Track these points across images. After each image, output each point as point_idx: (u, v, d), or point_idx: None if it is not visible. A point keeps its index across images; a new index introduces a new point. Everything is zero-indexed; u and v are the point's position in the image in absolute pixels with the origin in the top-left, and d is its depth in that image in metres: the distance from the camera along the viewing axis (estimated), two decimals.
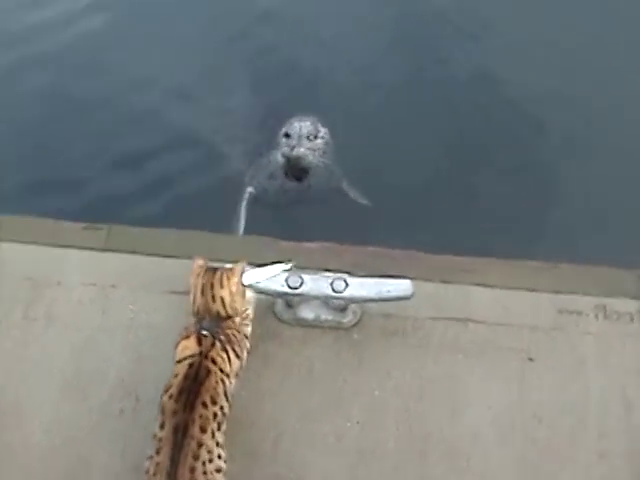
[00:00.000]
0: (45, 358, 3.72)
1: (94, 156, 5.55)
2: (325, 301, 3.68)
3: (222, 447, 3.07)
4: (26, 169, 5.49)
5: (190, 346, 3.19)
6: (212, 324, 3.26)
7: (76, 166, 5.51)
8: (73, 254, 4.05)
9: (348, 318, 3.74)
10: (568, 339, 3.71)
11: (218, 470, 3.02)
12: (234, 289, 3.29)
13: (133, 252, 4.04)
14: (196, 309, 3.30)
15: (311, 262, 3.86)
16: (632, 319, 3.74)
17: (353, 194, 5.12)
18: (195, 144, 5.58)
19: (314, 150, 4.86)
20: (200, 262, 3.35)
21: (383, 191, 5.17)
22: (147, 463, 3.01)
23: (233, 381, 3.22)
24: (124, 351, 3.69)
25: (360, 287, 3.59)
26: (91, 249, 4.06)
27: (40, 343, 3.76)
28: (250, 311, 3.44)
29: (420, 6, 6.32)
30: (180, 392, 3.07)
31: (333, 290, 3.58)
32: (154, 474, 2.96)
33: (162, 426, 3.03)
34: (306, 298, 3.64)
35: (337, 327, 3.74)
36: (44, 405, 3.60)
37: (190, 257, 3.68)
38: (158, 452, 2.98)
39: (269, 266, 3.60)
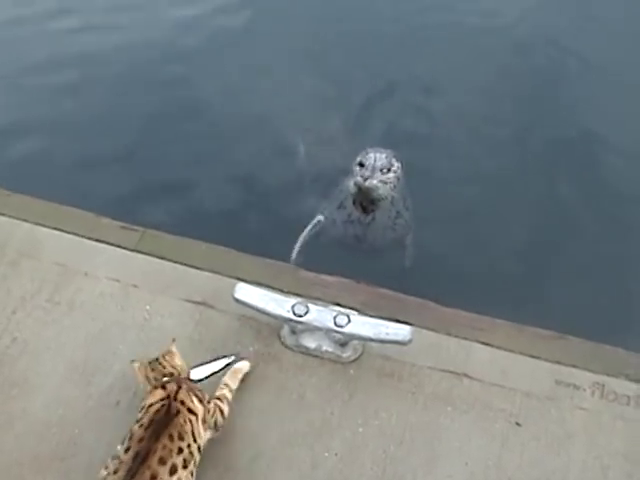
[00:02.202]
0: (59, 341, 3.94)
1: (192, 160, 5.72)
2: (326, 333, 3.79)
3: None
4: (128, 168, 5.65)
5: (157, 392, 3.30)
6: (172, 380, 3.37)
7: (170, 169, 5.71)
8: (105, 249, 4.28)
9: (348, 353, 3.84)
10: (560, 411, 3.72)
11: None
12: (177, 362, 3.41)
13: (161, 257, 4.24)
14: (152, 382, 3.38)
15: (325, 295, 4.01)
16: (628, 402, 3.74)
17: (409, 251, 5.14)
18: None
19: (386, 183, 4.89)
20: (136, 364, 3.44)
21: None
22: (104, 472, 3.12)
23: (200, 425, 3.29)
24: (133, 348, 3.86)
25: (361, 325, 3.70)
26: (123, 248, 4.28)
27: (58, 326, 3.98)
28: None
29: None
30: (150, 423, 3.18)
31: (335, 324, 3.70)
32: None
33: (127, 450, 3.11)
34: (309, 327, 3.76)
35: (336, 360, 3.85)
36: (49, 383, 3.81)
37: (214, 271, 3.93)
38: (115, 472, 3.07)
39: (215, 362, 3.75)
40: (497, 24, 6.59)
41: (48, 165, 5.53)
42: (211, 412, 3.41)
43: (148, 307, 4.03)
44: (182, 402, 3.25)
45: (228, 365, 3.79)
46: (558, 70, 6.22)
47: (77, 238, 4.32)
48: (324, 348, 3.85)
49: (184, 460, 3.12)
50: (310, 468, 3.57)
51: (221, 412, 3.48)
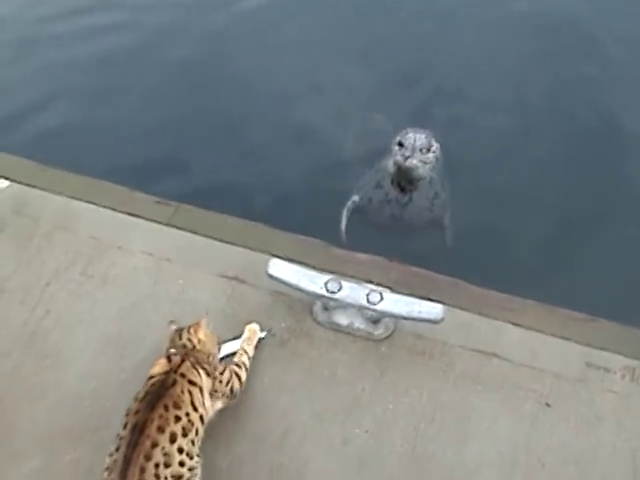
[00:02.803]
0: (93, 314, 3.99)
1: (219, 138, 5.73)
2: (359, 310, 3.82)
3: (190, 456, 3.17)
4: (153, 143, 5.67)
5: (161, 363, 3.37)
6: (180, 352, 3.43)
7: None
8: (139, 223, 4.32)
9: (380, 331, 3.87)
10: (590, 393, 3.74)
11: (178, 477, 3.11)
12: (201, 336, 3.47)
13: (194, 232, 4.28)
14: (171, 345, 3.47)
15: (357, 272, 4.04)
16: None
17: (448, 232, 5.13)
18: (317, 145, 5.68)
19: (425, 163, 4.92)
20: (174, 326, 3.58)
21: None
22: (108, 460, 3.14)
23: (205, 396, 3.34)
24: (165, 321, 3.81)
25: (394, 303, 3.72)
26: (157, 222, 4.32)
27: (91, 299, 4.03)
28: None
29: None
30: (146, 395, 3.23)
31: (368, 301, 3.72)
32: (110, 472, 3.09)
33: (125, 426, 3.16)
34: (342, 304, 3.78)
35: (368, 337, 3.88)
36: (82, 356, 3.86)
37: (247, 246, 3.97)
38: (117, 450, 3.12)
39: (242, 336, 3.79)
40: (535, 9, 6.57)
41: (80, 140, 5.53)
42: (225, 381, 3.47)
43: (181, 281, 4.08)
44: (182, 375, 3.30)
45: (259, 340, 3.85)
46: (592, 55, 6.17)
47: (111, 212, 4.37)
48: (356, 325, 3.87)
49: (183, 428, 3.17)
50: (340, 444, 3.60)
51: (238, 378, 3.54)
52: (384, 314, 3.75)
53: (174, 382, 3.25)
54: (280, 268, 3.83)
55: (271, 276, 3.84)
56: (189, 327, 3.52)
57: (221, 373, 3.47)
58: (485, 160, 5.41)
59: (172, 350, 3.44)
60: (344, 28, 6.30)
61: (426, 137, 4.84)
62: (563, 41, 6.28)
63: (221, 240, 4.23)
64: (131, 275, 4.11)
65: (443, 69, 6.10)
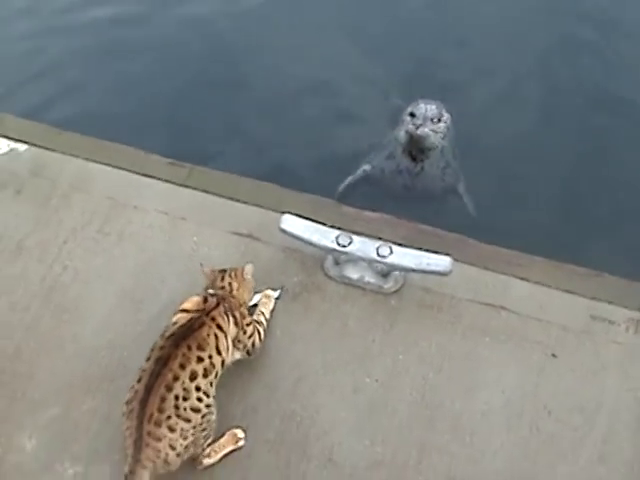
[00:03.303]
0: (109, 269, 4.09)
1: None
2: (369, 264, 3.90)
3: (207, 395, 3.29)
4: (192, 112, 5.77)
5: (196, 300, 3.50)
6: (217, 294, 3.55)
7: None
8: (154, 184, 4.42)
9: (389, 284, 3.96)
10: (594, 344, 3.83)
11: (196, 410, 3.24)
12: (240, 282, 3.62)
13: (207, 192, 4.37)
14: (209, 285, 3.63)
15: (367, 229, 4.11)
16: None
17: (466, 199, 5.21)
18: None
19: (436, 132, 5.00)
20: (207, 269, 3.70)
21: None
22: (128, 394, 3.26)
23: (229, 343, 3.45)
24: (180, 276, 4.00)
25: (403, 256, 3.82)
26: (171, 183, 4.41)
27: (108, 256, 4.14)
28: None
29: None
30: (172, 334, 3.34)
31: (378, 254, 3.82)
32: (131, 400, 3.22)
33: (148, 359, 3.29)
34: (352, 257, 3.88)
35: (378, 291, 3.97)
36: (99, 308, 3.96)
37: (259, 205, 4.14)
38: (139, 381, 3.24)
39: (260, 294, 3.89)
40: None
41: (94, 103, 5.67)
42: (248, 333, 3.57)
43: (195, 238, 4.17)
44: (212, 318, 3.41)
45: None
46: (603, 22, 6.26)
47: (127, 173, 4.47)
48: (366, 279, 3.96)
49: (204, 369, 3.29)
50: (351, 392, 3.70)
51: (259, 334, 3.65)
52: (393, 267, 3.84)
53: (202, 324, 3.37)
54: (292, 223, 3.93)
55: (284, 231, 3.93)
56: (232, 271, 3.65)
57: (247, 324, 3.58)
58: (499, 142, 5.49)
59: (211, 291, 3.57)
60: (354, 17, 6.35)
61: (437, 107, 4.95)
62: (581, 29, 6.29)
63: (234, 199, 4.32)
64: (146, 233, 4.21)
65: (456, 59, 6.10)
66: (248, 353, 3.62)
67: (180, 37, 6.17)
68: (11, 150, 4.57)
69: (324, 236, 3.89)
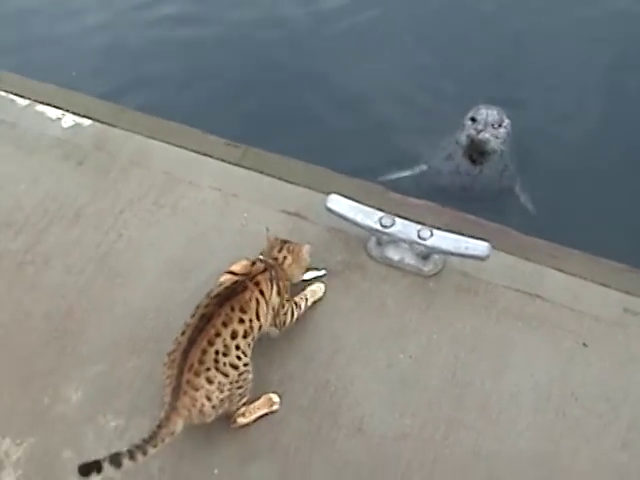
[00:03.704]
0: (161, 239, 4.29)
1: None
2: (410, 246, 4.03)
3: (245, 355, 3.43)
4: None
5: (244, 264, 3.67)
6: (268, 263, 3.69)
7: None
8: (209, 162, 4.62)
9: (429, 267, 4.09)
10: (626, 336, 3.91)
11: (234, 367, 3.38)
12: (295, 259, 3.76)
13: (261, 172, 4.55)
14: (266, 251, 3.77)
15: (411, 215, 4.20)
16: None
17: (524, 198, 5.34)
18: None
19: (497, 137, 5.15)
20: (271, 235, 3.86)
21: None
22: (172, 347, 3.41)
23: (269, 311, 3.58)
24: (229, 249, 4.15)
25: (443, 239, 3.95)
26: (226, 162, 4.61)
27: (161, 226, 4.33)
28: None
29: None
30: (217, 294, 3.49)
31: (418, 236, 3.94)
32: (173, 351, 3.37)
33: (193, 315, 3.44)
34: (394, 239, 4.01)
35: (417, 273, 4.10)
36: (149, 275, 4.16)
37: (309, 187, 4.34)
38: (182, 334, 3.39)
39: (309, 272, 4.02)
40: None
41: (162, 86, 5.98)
42: (285, 308, 3.71)
43: (246, 214, 4.35)
44: (257, 283, 3.55)
45: (317, 278, 4.08)
46: None
47: (184, 151, 4.67)
48: (407, 261, 4.10)
49: (244, 330, 3.44)
50: (385, 367, 3.83)
51: (292, 314, 3.78)
52: (433, 249, 3.97)
53: (245, 288, 3.51)
54: (338, 203, 4.08)
55: (330, 210, 4.09)
56: (292, 245, 3.81)
57: (286, 300, 3.72)
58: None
59: (261, 256, 3.72)
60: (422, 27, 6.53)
61: (498, 113, 5.11)
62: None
63: (285, 180, 4.50)
64: (199, 207, 4.40)
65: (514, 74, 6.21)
66: (277, 326, 3.75)
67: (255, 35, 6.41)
68: (76, 124, 4.80)
69: (368, 216, 4.04)
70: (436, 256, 4.08)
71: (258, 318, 3.52)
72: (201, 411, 3.34)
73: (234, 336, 3.39)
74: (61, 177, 4.54)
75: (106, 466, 3.03)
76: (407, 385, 3.78)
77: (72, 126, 4.79)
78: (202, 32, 6.50)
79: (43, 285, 4.15)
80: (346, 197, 4.14)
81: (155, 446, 3.20)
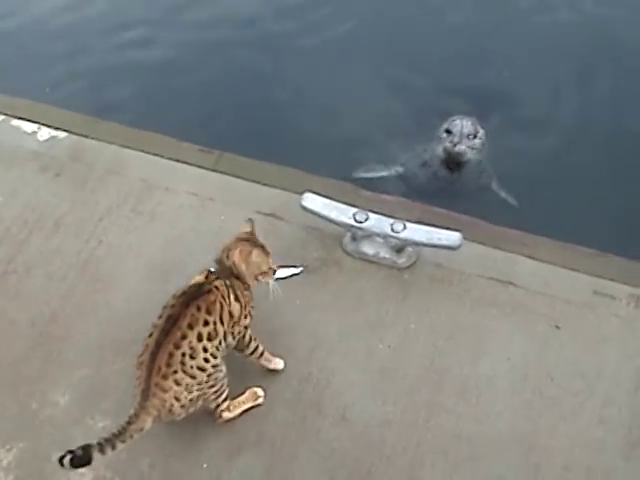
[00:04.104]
0: (141, 244, 4.38)
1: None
2: (385, 240, 4.15)
3: (214, 357, 3.42)
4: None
5: (198, 278, 3.58)
6: (223, 273, 3.61)
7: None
8: (185, 168, 4.72)
9: (403, 260, 4.20)
10: (597, 317, 4.04)
11: (201, 369, 3.39)
12: (243, 267, 3.60)
13: (235, 176, 4.66)
14: (219, 256, 3.66)
15: (383, 211, 4.32)
16: None
17: (504, 194, 5.40)
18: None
19: (472, 148, 5.24)
20: (246, 228, 3.74)
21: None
22: (141, 348, 3.43)
23: (231, 320, 3.53)
24: (207, 250, 4.08)
25: (415, 231, 4.08)
26: (201, 167, 4.71)
27: (140, 232, 4.43)
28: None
29: None
30: (183, 293, 3.50)
31: (392, 230, 4.07)
32: (142, 354, 3.40)
33: (160, 316, 3.44)
34: (368, 233, 4.13)
35: (392, 266, 4.21)
36: (130, 279, 4.25)
37: (283, 188, 4.46)
38: (150, 336, 3.41)
39: (283, 269, 4.03)
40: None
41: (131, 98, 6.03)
42: (247, 320, 3.63)
43: (222, 217, 4.45)
44: (217, 288, 3.52)
45: (293, 275, 4.17)
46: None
47: (159, 159, 4.78)
48: (381, 254, 4.21)
49: (209, 333, 3.42)
50: (365, 357, 3.94)
51: (251, 338, 3.71)
52: (407, 241, 4.09)
53: (210, 290, 3.50)
54: (313, 201, 4.21)
55: (305, 208, 4.21)
56: (242, 248, 3.66)
57: (249, 313, 3.66)
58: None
59: (212, 269, 3.65)
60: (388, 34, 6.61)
61: (472, 124, 5.24)
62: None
63: (259, 182, 4.60)
64: (177, 212, 4.50)
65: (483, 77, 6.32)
66: (238, 342, 3.69)
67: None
68: (52, 137, 4.89)
69: (342, 213, 4.16)
70: (410, 249, 4.20)
71: (222, 322, 3.51)
72: (170, 411, 3.39)
73: (200, 339, 3.40)
74: (39, 189, 4.63)
75: (78, 454, 3.09)
76: (387, 374, 3.88)
77: (48, 139, 4.88)
78: (169, 52, 6.52)
79: (26, 293, 4.23)
80: (320, 195, 4.26)
81: (124, 441, 3.25)
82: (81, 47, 6.50)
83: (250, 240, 3.70)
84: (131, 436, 3.27)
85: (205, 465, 3.64)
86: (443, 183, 5.32)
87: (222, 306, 3.50)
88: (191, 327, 3.38)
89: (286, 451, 3.68)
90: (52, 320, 4.11)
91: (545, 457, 3.64)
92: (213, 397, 3.55)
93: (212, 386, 3.50)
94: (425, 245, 4.09)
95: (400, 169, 5.48)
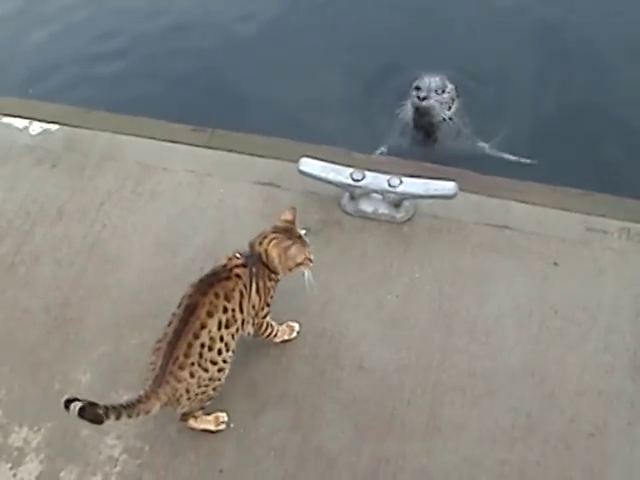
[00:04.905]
0: (145, 223, 4.48)
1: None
2: (382, 195, 4.30)
3: (228, 348, 3.47)
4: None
5: (224, 261, 3.63)
6: (251, 259, 3.60)
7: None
8: (180, 148, 4.83)
9: (401, 214, 4.35)
10: (592, 251, 4.22)
11: (214, 362, 3.44)
12: (274, 254, 3.61)
13: (230, 150, 4.78)
14: (251, 242, 3.67)
15: (377, 170, 4.44)
16: None
17: (507, 156, 5.48)
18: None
19: (441, 103, 5.36)
20: (289, 217, 3.70)
21: None
22: (160, 335, 3.48)
23: (251, 310, 3.60)
24: (211, 224, 4.39)
25: (412, 185, 4.23)
26: (195, 146, 4.83)
27: (142, 212, 4.53)
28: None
29: None
30: (201, 281, 3.54)
31: (389, 185, 4.22)
32: (160, 340, 3.44)
33: (179, 306, 3.48)
34: (366, 191, 4.28)
35: (391, 221, 4.36)
36: (139, 257, 4.35)
37: (277, 157, 4.63)
38: (169, 325, 3.45)
39: None
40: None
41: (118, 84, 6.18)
42: (265, 312, 3.71)
43: (222, 190, 4.57)
44: (237, 275, 3.54)
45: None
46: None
47: (153, 141, 4.88)
48: (380, 211, 4.36)
49: (227, 320, 3.45)
50: (375, 308, 4.08)
51: (270, 326, 3.80)
52: (404, 195, 4.24)
53: (228, 277, 3.52)
54: (310, 165, 4.34)
55: (303, 172, 4.34)
56: (287, 243, 3.63)
57: (268, 304, 3.73)
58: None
59: (237, 254, 3.63)
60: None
61: (440, 79, 5.37)
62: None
63: (254, 155, 4.73)
64: (176, 189, 4.61)
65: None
66: (253, 326, 3.75)
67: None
68: (44, 131, 4.97)
69: (339, 173, 4.30)
70: (407, 203, 4.34)
71: (241, 310, 3.53)
72: (178, 401, 3.42)
73: (219, 326, 3.43)
74: (37, 181, 4.71)
75: (83, 405, 3.12)
76: (398, 322, 4.02)
77: (40, 132, 4.96)
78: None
79: (37, 281, 4.31)
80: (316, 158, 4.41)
81: (130, 416, 3.28)
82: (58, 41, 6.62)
83: (289, 230, 3.68)
84: (138, 414, 3.30)
85: (232, 425, 3.73)
86: (423, 149, 5.45)
87: (242, 295, 3.52)
88: (210, 315, 3.40)
89: (309, 404, 3.80)
90: (65, 304, 4.19)
91: (557, 385, 3.79)
92: (205, 401, 3.58)
93: (214, 389, 3.53)
94: (422, 197, 4.24)
95: (384, 148, 5.54)
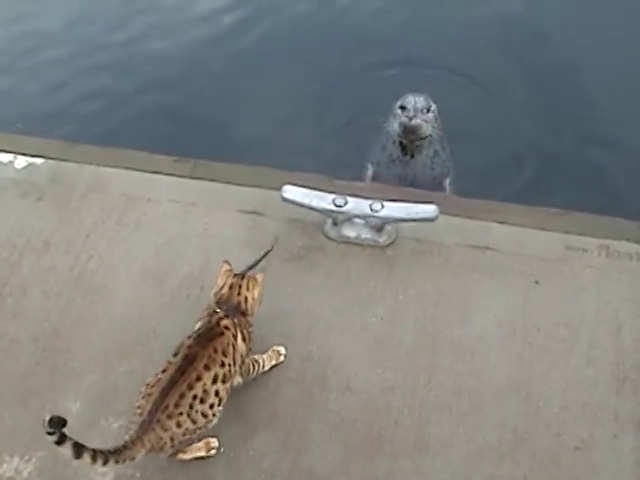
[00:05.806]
0: (131, 253, 4.51)
1: None
2: (365, 220, 4.36)
3: (219, 402, 3.50)
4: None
5: (204, 317, 3.67)
6: (229, 310, 3.67)
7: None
8: (163, 179, 4.87)
9: (384, 238, 4.41)
10: (572, 269, 4.30)
11: (204, 415, 3.45)
12: (256, 295, 3.76)
13: (213, 180, 4.84)
14: (219, 298, 3.71)
15: (358, 196, 4.48)
16: (631, 258, 4.31)
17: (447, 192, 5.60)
18: None
19: (427, 122, 5.46)
20: (227, 267, 3.78)
21: None
22: (150, 379, 3.46)
23: (239, 360, 3.63)
24: (196, 252, 4.43)
25: (394, 209, 4.30)
26: (178, 176, 4.88)
27: (128, 242, 4.56)
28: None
29: None
30: (199, 335, 3.56)
31: (371, 209, 4.28)
32: (152, 386, 3.42)
33: (175, 354, 3.49)
34: (349, 216, 4.34)
35: (374, 245, 4.42)
36: (126, 287, 4.37)
37: (260, 186, 4.66)
38: (164, 371, 3.45)
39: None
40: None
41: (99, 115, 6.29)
42: (248, 358, 3.76)
43: (206, 219, 4.61)
44: (226, 327, 3.59)
45: (267, 254, 4.19)
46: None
47: (137, 173, 4.92)
48: (363, 236, 4.41)
49: (224, 375, 3.49)
50: (360, 330, 4.12)
51: (253, 365, 3.81)
52: (387, 219, 4.31)
53: (222, 333, 3.56)
54: (293, 192, 4.40)
55: (286, 199, 4.40)
56: (249, 279, 3.74)
57: (250, 349, 3.76)
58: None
59: (217, 309, 3.66)
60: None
61: (425, 99, 5.44)
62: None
63: (237, 184, 4.79)
64: (161, 219, 4.65)
65: None
66: (241, 375, 3.77)
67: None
68: (29, 164, 5.00)
69: (322, 199, 4.36)
70: (389, 227, 4.41)
71: (234, 364, 3.59)
72: (162, 449, 3.41)
73: (215, 380, 3.45)
74: (23, 214, 4.74)
75: (68, 443, 3.04)
76: (383, 344, 4.07)
77: (25, 166, 4.99)
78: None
79: (25, 312, 4.32)
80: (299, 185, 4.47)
81: (117, 462, 3.25)
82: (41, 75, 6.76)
83: (239, 274, 3.78)
84: (124, 461, 3.28)
85: (222, 449, 3.75)
86: (399, 166, 5.50)
87: (234, 348, 3.58)
88: (207, 368, 3.43)
89: (298, 426, 3.83)
90: (54, 335, 4.21)
91: (543, 400, 3.85)
92: (189, 444, 3.58)
93: (198, 435, 3.54)
94: (404, 220, 4.31)
95: (370, 166, 5.66)
